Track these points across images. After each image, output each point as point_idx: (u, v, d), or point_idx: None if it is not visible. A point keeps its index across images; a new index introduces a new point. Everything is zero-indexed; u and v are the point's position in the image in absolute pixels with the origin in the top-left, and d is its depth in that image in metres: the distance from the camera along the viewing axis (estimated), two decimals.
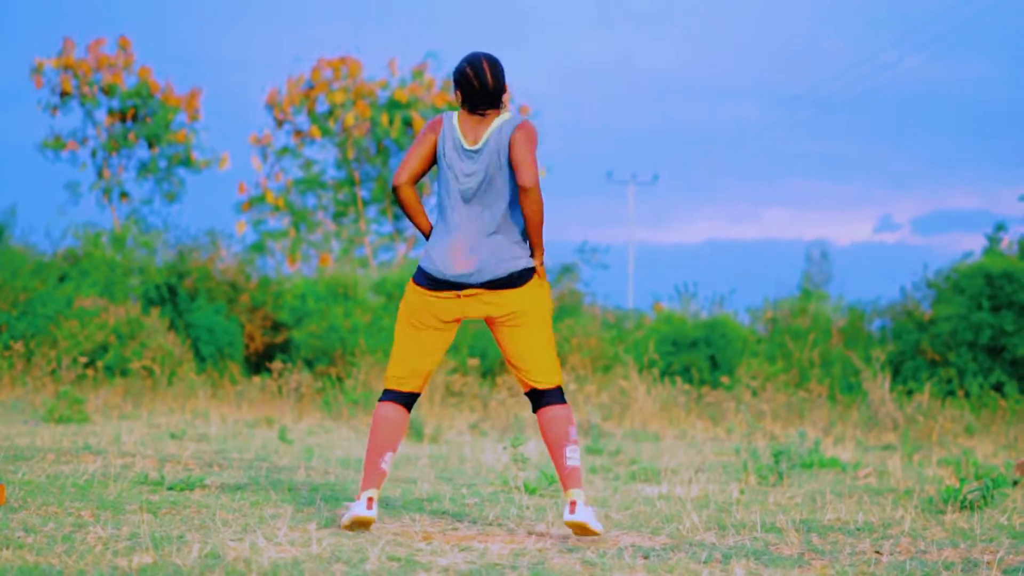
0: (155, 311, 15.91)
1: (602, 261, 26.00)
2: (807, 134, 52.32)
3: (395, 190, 4.16)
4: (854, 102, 51.57)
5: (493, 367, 16.87)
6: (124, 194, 26.25)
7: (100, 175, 26.10)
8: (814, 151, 50.56)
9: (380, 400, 4.32)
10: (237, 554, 3.48)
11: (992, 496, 5.52)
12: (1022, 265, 16.05)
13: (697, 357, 17.53)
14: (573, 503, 4.12)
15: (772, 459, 6.80)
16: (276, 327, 17.57)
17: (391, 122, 27.19)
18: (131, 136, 25.95)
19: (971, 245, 57.65)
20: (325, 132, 27.67)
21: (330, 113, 27.60)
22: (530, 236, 4.17)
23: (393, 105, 27.39)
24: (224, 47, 44.96)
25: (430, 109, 27.42)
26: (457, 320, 4.25)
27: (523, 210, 4.09)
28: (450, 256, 4.14)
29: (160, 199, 26.40)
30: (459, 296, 4.17)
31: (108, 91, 25.68)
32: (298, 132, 27.96)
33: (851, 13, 52.57)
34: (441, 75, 28.06)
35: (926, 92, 48.62)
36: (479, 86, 4.16)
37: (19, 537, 3.70)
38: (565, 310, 19.52)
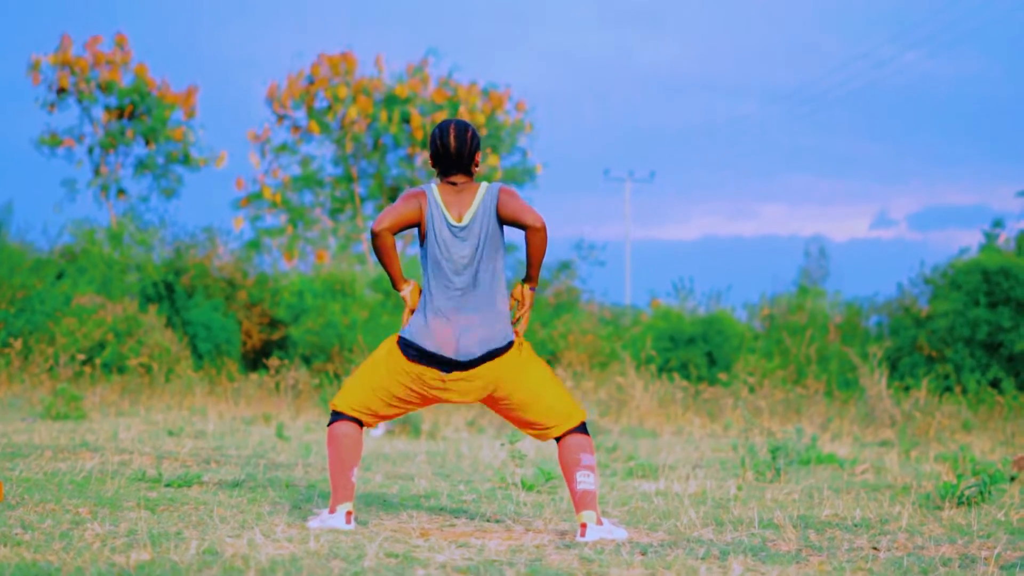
0: (152, 308, 15.91)
1: (599, 258, 25.98)
2: (804, 130, 52.34)
3: (375, 236, 4.17)
4: (851, 98, 51.61)
5: None
6: (121, 191, 26.23)
7: (97, 172, 26.07)
8: (811, 147, 50.57)
9: (333, 421, 4.29)
10: (235, 551, 3.48)
11: (989, 492, 5.53)
12: (1019, 261, 16.06)
13: (694, 353, 17.54)
14: (583, 526, 4.13)
15: (769, 455, 6.81)
16: (273, 324, 17.56)
17: (390, 119, 27.18)
18: (128, 133, 25.93)
19: (968, 241, 57.72)
20: (324, 128, 27.66)
21: (329, 109, 27.58)
22: (533, 268, 4.25)
23: (392, 101, 27.38)
24: (221, 45, 44.93)
25: (429, 105, 27.41)
26: (435, 400, 4.27)
27: (530, 247, 4.17)
28: (439, 337, 4.16)
29: (157, 196, 26.40)
30: (444, 381, 4.19)
31: (105, 88, 25.66)
32: (296, 127, 27.95)
33: (848, 9, 52.58)
34: (440, 72, 28.07)
35: (923, 88, 48.66)
36: (443, 150, 4.23)
37: (17, 534, 3.70)
38: (562, 307, 19.52)
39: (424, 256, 4.23)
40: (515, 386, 4.23)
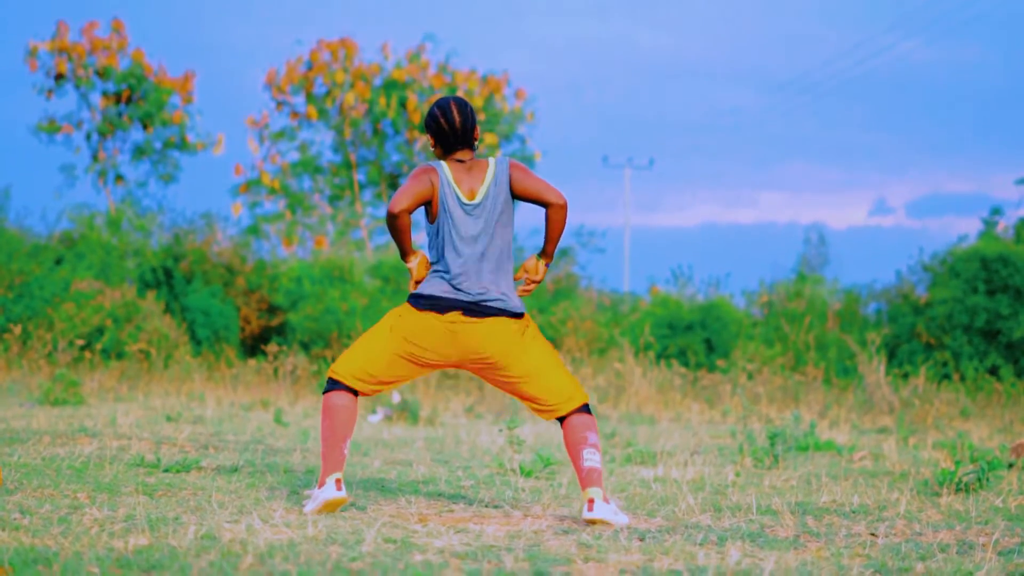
0: (151, 294, 15.90)
1: (598, 245, 26.06)
2: (803, 118, 52.25)
3: (394, 217, 4.18)
4: (850, 86, 51.54)
5: None
6: (119, 177, 26.18)
7: (95, 158, 26.03)
8: (810, 135, 50.51)
9: (328, 390, 4.29)
10: (233, 536, 3.48)
11: (987, 479, 5.54)
12: (1018, 249, 16.06)
13: (693, 340, 17.54)
14: (591, 500, 4.13)
15: (768, 442, 6.81)
16: (272, 310, 17.56)
17: (388, 104, 27.14)
18: (125, 118, 25.88)
19: (966, 229, 57.64)
20: (322, 113, 27.62)
21: (328, 94, 27.54)
22: (551, 243, 4.32)
23: (390, 86, 27.33)
24: (218, 30, 44.81)
25: (427, 90, 27.36)
26: (438, 361, 4.28)
27: (551, 223, 4.25)
28: (449, 289, 4.21)
29: (155, 181, 26.36)
30: (452, 323, 4.19)
31: (102, 74, 25.60)
32: (295, 113, 27.90)
33: None
34: (438, 57, 28.01)
35: (921, 76, 48.57)
36: (448, 127, 4.25)
37: (15, 519, 3.70)
38: (561, 293, 19.52)
39: (436, 233, 4.25)
40: (516, 359, 4.25)
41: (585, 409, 4.31)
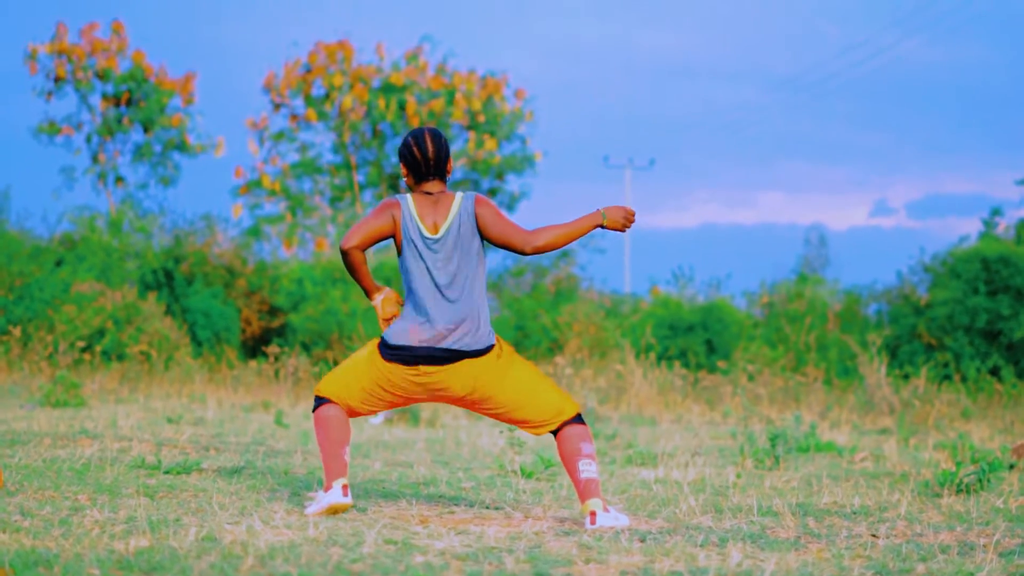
0: (152, 295, 15.90)
1: (599, 245, 26.02)
2: (803, 118, 52.26)
3: (344, 253, 4.17)
4: (850, 86, 51.54)
5: None
6: (119, 179, 26.19)
7: (95, 160, 26.03)
8: (810, 135, 50.51)
9: (318, 406, 4.30)
10: (234, 537, 3.48)
11: (988, 480, 5.54)
12: (1019, 249, 16.06)
13: (694, 341, 17.54)
14: (592, 513, 4.11)
15: (768, 443, 6.81)
16: (273, 311, 17.56)
17: (387, 106, 27.14)
18: (125, 121, 25.88)
19: (966, 229, 57.63)
20: (322, 116, 27.63)
21: (327, 97, 27.55)
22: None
23: (389, 89, 27.33)
24: (219, 32, 44.82)
25: (425, 92, 27.36)
26: (413, 399, 4.26)
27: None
28: (417, 336, 4.15)
29: (155, 183, 26.36)
30: (418, 374, 4.16)
31: (102, 76, 25.60)
32: (294, 116, 27.91)
33: None
34: (436, 59, 28.01)
35: (922, 76, 48.58)
36: (420, 157, 4.21)
37: (16, 521, 3.70)
38: (562, 294, 19.52)
39: (402, 267, 4.22)
40: (499, 388, 4.21)
41: (578, 419, 4.28)
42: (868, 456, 7.52)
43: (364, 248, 4.17)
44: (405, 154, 4.25)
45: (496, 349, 4.21)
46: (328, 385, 4.31)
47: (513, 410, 4.25)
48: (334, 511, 4.16)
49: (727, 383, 13.36)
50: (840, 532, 4.17)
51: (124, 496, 4.44)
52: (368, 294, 4.33)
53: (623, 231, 4.26)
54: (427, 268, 4.16)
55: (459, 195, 4.22)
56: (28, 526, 3.61)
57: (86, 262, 16.74)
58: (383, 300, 4.31)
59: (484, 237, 4.20)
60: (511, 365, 4.24)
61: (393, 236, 4.20)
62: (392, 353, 4.17)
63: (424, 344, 4.13)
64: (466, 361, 4.16)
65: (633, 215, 4.25)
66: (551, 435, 4.45)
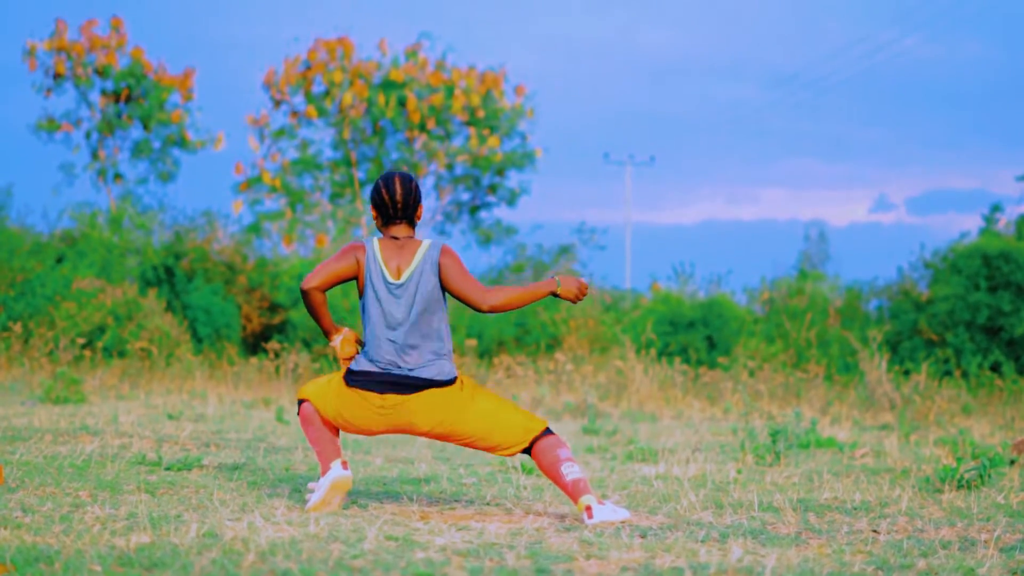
0: (152, 292, 15.90)
1: (600, 242, 25.99)
2: (804, 115, 52.26)
3: (304, 292, 4.19)
4: (851, 82, 51.50)
5: (490, 348, 16.87)
6: (119, 175, 26.18)
7: (95, 156, 26.02)
8: (811, 131, 50.50)
9: (301, 406, 4.31)
10: (235, 534, 3.48)
11: (989, 475, 5.53)
12: (1019, 245, 16.06)
13: (694, 337, 17.54)
14: (588, 508, 4.11)
15: (769, 439, 6.81)
16: (273, 308, 17.56)
17: (387, 102, 27.13)
18: (125, 117, 25.87)
19: (967, 225, 57.69)
20: (322, 112, 27.62)
21: (327, 93, 27.54)
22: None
23: (389, 85, 27.32)
24: (218, 28, 44.80)
25: (425, 88, 27.35)
26: (378, 429, 4.24)
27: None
28: (380, 364, 4.16)
29: (155, 179, 26.36)
30: (382, 401, 4.15)
31: (102, 72, 25.59)
32: (295, 113, 27.90)
33: None
34: (435, 55, 27.99)
35: (922, 72, 48.55)
36: (388, 200, 4.22)
37: (17, 517, 3.70)
38: None
39: (363, 309, 4.22)
40: (464, 419, 4.21)
41: (547, 432, 4.27)
42: (869, 452, 7.52)
43: (324, 289, 4.19)
44: (374, 196, 4.26)
45: (458, 383, 4.22)
46: (309, 388, 4.33)
47: (482, 437, 4.24)
48: (338, 488, 4.17)
49: (728, 379, 13.36)
50: (841, 528, 4.17)
51: (125, 492, 4.44)
52: (327, 335, 4.35)
53: (575, 302, 4.30)
54: (388, 311, 4.16)
55: (426, 242, 4.22)
56: (29, 522, 3.61)
57: (87, 258, 16.74)
58: (342, 341, 4.32)
59: (443, 287, 4.20)
60: (473, 397, 4.24)
61: (356, 278, 4.22)
62: (355, 379, 4.18)
63: (384, 379, 4.14)
64: (431, 391, 4.16)
65: (586, 288, 4.31)
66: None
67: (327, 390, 4.28)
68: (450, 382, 4.18)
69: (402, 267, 4.19)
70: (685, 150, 50.91)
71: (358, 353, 4.30)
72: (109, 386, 11.47)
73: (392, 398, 4.15)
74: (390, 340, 4.15)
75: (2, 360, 12.99)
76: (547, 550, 3.46)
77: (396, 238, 4.24)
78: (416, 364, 4.15)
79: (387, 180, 4.23)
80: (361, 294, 4.23)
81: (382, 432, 4.27)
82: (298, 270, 17.61)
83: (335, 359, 14.35)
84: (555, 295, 4.25)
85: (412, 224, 4.28)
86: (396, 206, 4.22)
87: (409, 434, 4.28)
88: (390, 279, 4.17)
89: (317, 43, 27.42)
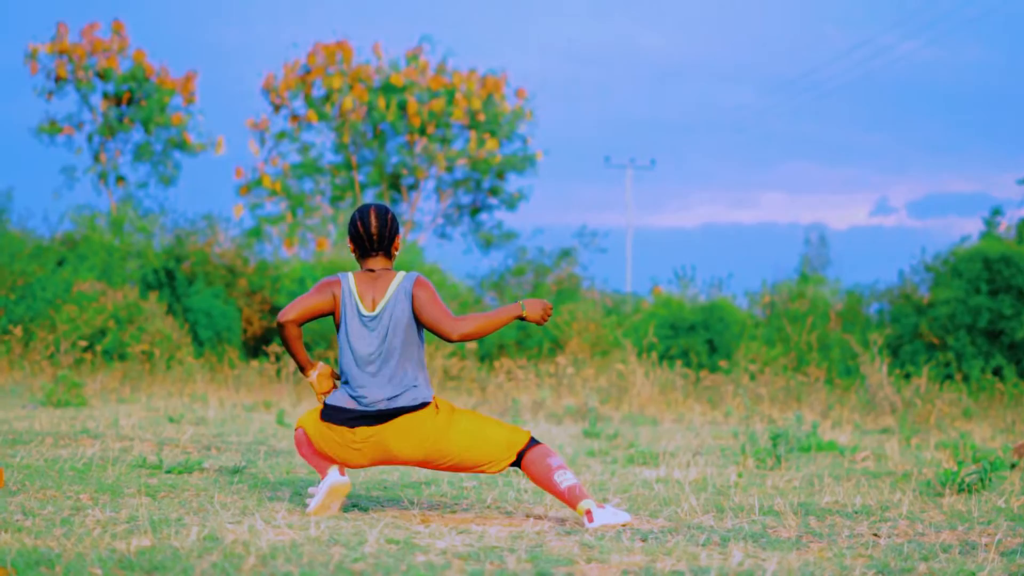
0: (153, 295, 15.90)
1: (600, 245, 25.96)
2: (804, 118, 52.21)
3: (280, 326, 4.21)
4: (851, 86, 51.52)
5: (491, 351, 16.87)
6: (120, 178, 26.19)
7: (96, 159, 26.03)
8: (811, 135, 50.47)
9: (297, 429, 4.33)
10: (236, 537, 3.48)
11: (990, 479, 5.53)
12: (1020, 249, 16.05)
13: (695, 341, 17.53)
14: (588, 512, 4.11)
15: (770, 442, 6.81)
16: (274, 311, 17.55)
17: (387, 106, 27.14)
18: (126, 120, 25.88)
19: (967, 229, 57.70)
20: (322, 117, 27.63)
21: (327, 98, 27.55)
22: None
23: (389, 89, 27.34)
24: (219, 31, 44.82)
25: (426, 92, 27.36)
26: (360, 462, 4.24)
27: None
28: (356, 397, 4.16)
29: (156, 183, 26.36)
30: (354, 434, 4.15)
31: (103, 75, 25.60)
32: (295, 117, 27.91)
33: None
34: (436, 59, 28.00)
35: (923, 76, 48.55)
36: (364, 233, 4.23)
37: (18, 520, 3.70)
38: (564, 294, 19.52)
39: (340, 341, 4.24)
40: (447, 441, 4.20)
41: (533, 443, 4.26)
42: (870, 456, 7.51)
43: (300, 323, 4.21)
44: (351, 229, 4.27)
45: (432, 406, 4.21)
46: (306, 418, 4.33)
47: (467, 456, 4.23)
48: (335, 493, 4.17)
49: (729, 383, 13.36)
50: (842, 531, 4.16)
51: (126, 496, 4.44)
52: (303, 370, 4.36)
53: (541, 324, 4.32)
54: (363, 344, 4.17)
55: (400, 275, 4.24)
56: (30, 526, 3.61)
57: (87, 262, 16.74)
58: (318, 376, 4.33)
59: (415, 318, 4.21)
60: (451, 419, 4.24)
61: (332, 314, 4.24)
62: (328, 415, 4.18)
63: (360, 412, 4.15)
64: (403, 417, 4.15)
65: (551, 309, 4.34)
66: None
67: (317, 423, 4.29)
68: (422, 406, 4.17)
69: (376, 299, 4.21)
70: (686, 154, 50.93)
71: (335, 388, 4.31)
72: (110, 389, 11.47)
73: (363, 431, 4.15)
74: (365, 372, 4.16)
75: (3, 363, 12.99)
76: (548, 554, 3.46)
77: (372, 270, 4.27)
78: (391, 394, 4.15)
79: (363, 213, 4.25)
80: (337, 328, 4.24)
81: (367, 466, 4.26)
82: (299, 273, 17.61)
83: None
84: (522, 319, 4.27)
85: (389, 256, 4.29)
86: (372, 239, 4.24)
87: (394, 464, 4.27)
88: (364, 312, 4.19)
89: (316, 47, 27.44)
